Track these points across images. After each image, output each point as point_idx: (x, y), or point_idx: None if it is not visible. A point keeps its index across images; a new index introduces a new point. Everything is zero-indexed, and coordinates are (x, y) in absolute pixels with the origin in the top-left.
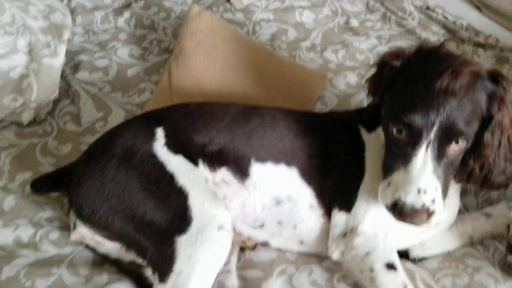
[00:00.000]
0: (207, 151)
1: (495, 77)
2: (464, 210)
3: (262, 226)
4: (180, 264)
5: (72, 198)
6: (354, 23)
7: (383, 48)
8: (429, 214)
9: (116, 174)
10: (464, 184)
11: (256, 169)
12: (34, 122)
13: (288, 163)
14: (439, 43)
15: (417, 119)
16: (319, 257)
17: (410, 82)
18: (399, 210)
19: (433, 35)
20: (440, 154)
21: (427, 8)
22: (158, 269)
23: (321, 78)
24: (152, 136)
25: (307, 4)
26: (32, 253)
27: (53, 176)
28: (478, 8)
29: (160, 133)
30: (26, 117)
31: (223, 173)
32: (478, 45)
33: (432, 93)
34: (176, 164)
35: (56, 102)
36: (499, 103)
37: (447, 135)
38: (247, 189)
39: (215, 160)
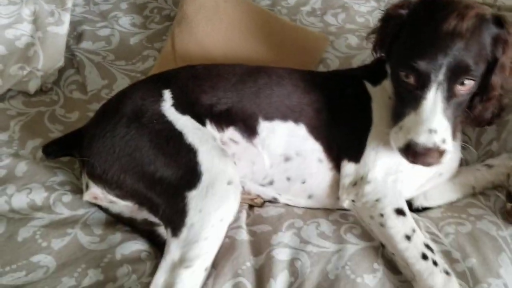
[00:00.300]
0: (214, 111)
1: (499, 20)
2: (465, 163)
3: (271, 183)
4: (191, 217)
5: (84, 158)
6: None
7: None
8: (440, 153)
9: (126, 133)
10: (471, 126)
11: (264, 127)
12: (40, 91)
13: (296, 120)
14: None
15: (426, 63)
16: (326, 211)
17: (417, 29)
18: (412, 151)
19: None
20: (449, 94)
21: None
22: (171, 224)
23: (323, 41)
24: (160, 97)
25: None
26: (46, 215)
27: (64, 141)
28: None
29: (167, 94)
30: (33, 86)
31: (231, 132)
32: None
33: (439, 36)
34: (184, 123)
35: (61, 71)
36: (504, 46)
37: (455, 75)
38: (256, 147)
39: (223, 120)
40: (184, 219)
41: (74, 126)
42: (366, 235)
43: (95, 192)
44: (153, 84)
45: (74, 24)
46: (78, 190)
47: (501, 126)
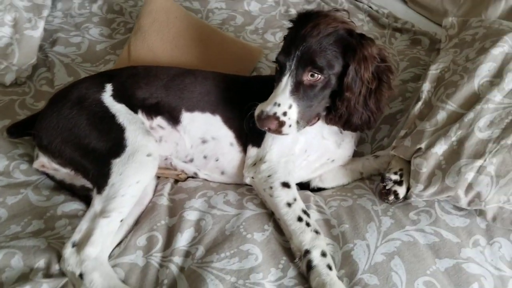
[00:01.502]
0: (146, 103)
1: (352, 32)
2: (361, 155)
3: (191, 160)
4: (113, 178)
5: (35, 132)
6: (293, 11)
7: None
8: (280, 123)
9: (70, 113)
10: (333, 124)
11: (186, 116)
12: (15, 84)
13: (213, 112)
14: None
15: (283, 56)
16: (236, 186)
17: (288, 34)
18: (258, 116)
19: (358, 21)
20: (298, 80)
21: None
22: (97, 184)
23: (258, 52)
24: (102, 88)
25: None
26: (5, 178)
27: (24, 123)
28: (405, 1)
29: (109, 87)
30: (8, 79)
31: (159, 120)
32: (396, 29)
33: (296, 37)
34: (119, 109)
35: (34, 69)
36: (353, 54)
37: (303, 66)
38: (179, 132)
39: (152, 110)
40: (107, 180)
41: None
42: (262, 205)
43: (43, 161)
44: (99, 78)
45: (51, 32)
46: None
47: (393, 126)
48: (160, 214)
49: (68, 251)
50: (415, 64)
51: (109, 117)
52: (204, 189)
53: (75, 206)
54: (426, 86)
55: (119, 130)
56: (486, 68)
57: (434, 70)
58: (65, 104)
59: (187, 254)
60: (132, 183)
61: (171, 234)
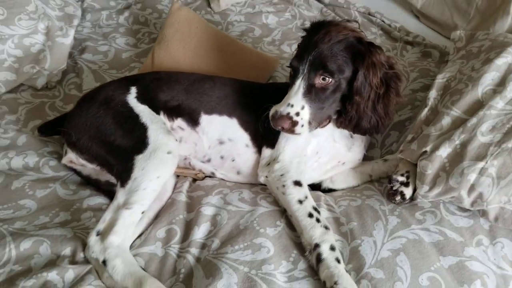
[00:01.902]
0: (168, 105)
1: (361, 40)
2: (370, 159)
3: (209, 160)
4: (136, 173)
5: (64, 130)
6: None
7: None
8: (293, 123)
9: (97, 112)
10: (343, 127)
11: (204, 119)
12: (46, 88)
13: (230, 115)
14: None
15: (296, 60)
16: (251, 185)
17: (301, 42)
18: (272, 116)
19: (371, 35)
20: (310, 83)
21: (369, 13)
22: (121, 178)
23: (274, 61)
24: (127, 91)
25: (273, 10)
26: (35, 174)
27: (54, 122)
28: (417, 17)
29: (133, 89)
30: (40, 83)
31: (179, 122)
32: (407, 42)
33: (309, 44)
34: (142, 109)
35: (64, 74)
36: (362, 59)
37: (314, 69)
38: (197, 133)
39: (173, 112)
40: (130, 174)
41: None
42: (275, 202)
43: (71, 157)
44: (124, 82)
45: (80, 41)
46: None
47: (402, 132)
48: (179, 209)
49: (93, 239)
50: (425, 75)
51: (133, 117)
52: (220, 187)
53: (99, 200)
54: (433, 94)
55: (142, 129)
56: (489, 77)
57: (441, 79)
58: (93, 105)
59: (203, 246)
60: (153, 178)
61: (188, 228)
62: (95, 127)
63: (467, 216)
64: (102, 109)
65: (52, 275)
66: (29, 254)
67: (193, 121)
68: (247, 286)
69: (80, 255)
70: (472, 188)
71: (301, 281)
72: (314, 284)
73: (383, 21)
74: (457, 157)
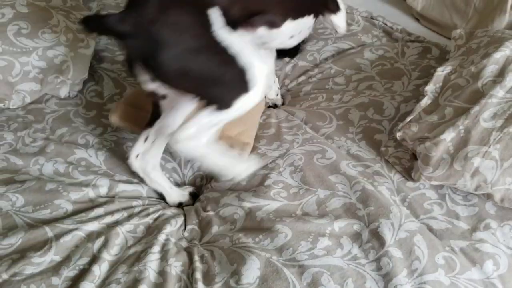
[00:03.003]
0: None
1: None
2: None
3: None
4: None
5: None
6: None
7: (328, 48)
8: None
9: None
10: None
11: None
12: (68, 97)
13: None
14: None
15: None
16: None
17: None
18: None
19: (373, 37)
20: None
21: (371, 17)
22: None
23: None
24: None
25: None
26: (66, 179)
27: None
28: (417, 19)
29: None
30: (63, 92)
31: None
32: (408, 41)
33: None
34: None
35: (84, 83)
36: None
37: None
38: None
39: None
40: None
41: (91, 120)
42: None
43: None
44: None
45: (98, 51)
46: (90, 165)
47: None
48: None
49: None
50: (427, 73)
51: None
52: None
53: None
54: (431, 88)
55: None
56: (489, 70)
57: (440, 72)
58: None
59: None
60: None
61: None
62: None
63: (472, 205)
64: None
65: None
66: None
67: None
68: (269, 270)
69: None
70: (476, 171)
71: (321, 258)
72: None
73: (385, 23)
74: (461, 142)
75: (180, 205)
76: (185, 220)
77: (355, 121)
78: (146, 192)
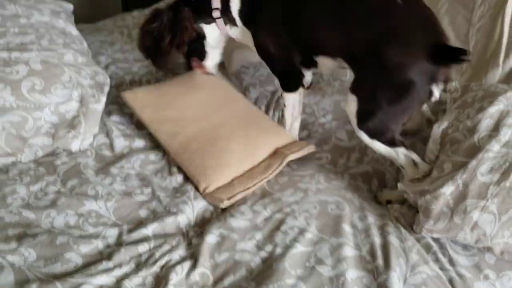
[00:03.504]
0: None
1: None
2: None
3: None
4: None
5: None
6: None
7: None
8: None
9: None
10: None
11: None
12: (79, 151)
13: None
14: None
15: None
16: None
17: None
18: None
19: None
20: None
21: None
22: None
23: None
24: None
25: None
26: (77, 231)
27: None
28: None
29: None
30: (75, 146)
31: None
32: None
33: None
34: None
35: (94, 136)
36: None
37: None
38: None
39: None
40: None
41: (101, 170)
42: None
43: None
44: None
45: (107, 104)
46: (100, 216)
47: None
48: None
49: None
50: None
51: None
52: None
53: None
54: (430, 147)
55: None
56: (484, 125)
57: (437, 129)
58: None
59: None
60: None
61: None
62: None
63: (472, 255)
64: None
65: None
66: None
67: None
68: None
69: None
70: (475, 225)
71: None
72: None
73: None
74: (460, 195)
75: None
76: (195, 260)
77: None
78: (152, 231)
